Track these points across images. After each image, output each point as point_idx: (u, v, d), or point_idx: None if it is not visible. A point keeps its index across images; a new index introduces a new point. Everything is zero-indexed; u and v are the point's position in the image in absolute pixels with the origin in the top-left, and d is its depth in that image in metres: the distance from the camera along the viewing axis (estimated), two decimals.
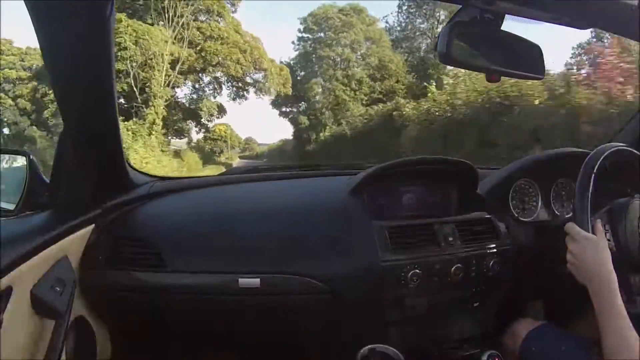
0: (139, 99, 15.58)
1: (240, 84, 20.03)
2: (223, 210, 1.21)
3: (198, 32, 17.65)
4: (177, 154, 18.52)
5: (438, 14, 18.46)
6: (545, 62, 0.85)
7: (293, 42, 22.61)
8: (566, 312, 1.23)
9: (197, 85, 20.80)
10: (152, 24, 15.96)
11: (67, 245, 0.99)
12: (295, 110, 22.25)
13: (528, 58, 0.83)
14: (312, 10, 20.27)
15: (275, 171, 1.59)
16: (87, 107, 0.94)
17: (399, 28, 20.59)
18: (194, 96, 21.27)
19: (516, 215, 1.30)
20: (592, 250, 0.91)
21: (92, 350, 1.04)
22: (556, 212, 1.37)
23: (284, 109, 22.65)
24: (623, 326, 0.82)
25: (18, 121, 19.54)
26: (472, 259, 1.13)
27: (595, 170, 0.99)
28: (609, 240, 0.99)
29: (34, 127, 18.77)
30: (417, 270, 1.05)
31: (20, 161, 1.15)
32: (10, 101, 19.74)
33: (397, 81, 18.80)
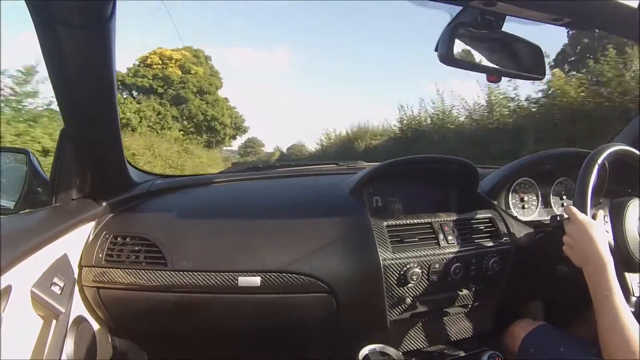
0: None
1: None
2: (223, 209, 1.21)
3: None
4: None
5: None
6: (545, 62, 0.85)
7: None
8: (566, 312, 1.24)
9: None
10: None
11: (67, 243, 0.99)
12: None
13: (529, 58, 0.83)
14: None
15: (276, 169, 1.59)
16: (87, 105, 0.95)
17: None
18: None
19: (516, 214, 1.30)
20: (589, 231, 0.91)
21: (92, 350, 1.04)
22: (556, 211, 1.37)
23: None
24: (619, 307, 0.82)
25: None
26: (472, 258, 1.13)
27: (599, 162, 1.00)
28: (607, 232, 1.00)
29: None
30: (417, 270, 1.05)
31: (20, 159, 1.15)
32: None
33: None
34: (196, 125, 25.99)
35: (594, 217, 0.99)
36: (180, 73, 24.83)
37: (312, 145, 21.86)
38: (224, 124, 27.63)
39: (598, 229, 0.92)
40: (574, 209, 0.96)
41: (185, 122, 25.16)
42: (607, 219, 1.03)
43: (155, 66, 24.42)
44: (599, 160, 1.01)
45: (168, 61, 24.72)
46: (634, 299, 0.97)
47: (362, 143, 14.64)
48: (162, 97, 24.13)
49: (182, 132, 23.46)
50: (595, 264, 0.87)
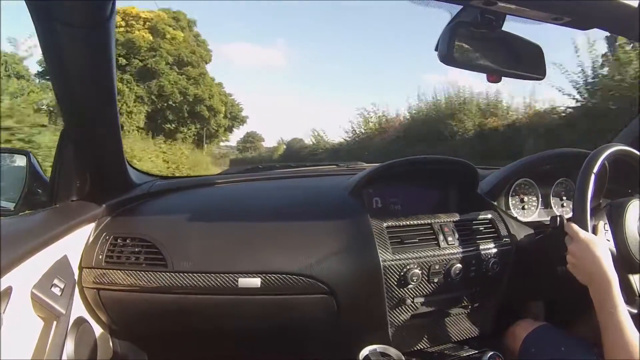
0: None
1: None
2: (223, 210, 1.21)
3: None
4: None
5: None
6: (546, 62, 0.85)
7: None
8: (566, 313, 1.23)
9: None
10: None
11: (67, 244, 0.99)
12: None
13: (529, 58, 0.83)
14: None
15: (275, 170, 1.59)
16: (87, 106, 0.95)
17: None
18: None
19: (516, 215, 1.30)
20: (592, 250, 0.90)
21: (93, 351, 1.03)
22: (556, 212, 1.37)
23: None
24: (624, 325, 0.82)
25: None
26: (472, 259, 1.13)
27: (595, 171, 1.00)
28: (608, 240, 1.00)
29: None
30: (417, 271, 1.05)
31: (20, 160, 1.15)
32: None
33: None
34: (173, 110, 18.94)
35: (595, 229, 0.98)
36: (150, 37, 17.80)
37: (334, 136, 16.35)
38: (215, 109, 20.72)
39: (601, 246, 0.92)
40: (575, 227, 0.95)
41: (155, 105, 18.16)
42: (608, 227, 1.03)
43: (116, 29, 15.83)
44: (595, 169, 1.00)
45: (134, 22, 18.10)
46: (638, 300, 0.97)
47: (467, 122, 9.36)
48: (124, 71, 17.54)
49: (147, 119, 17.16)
50: (600, 282, 0.87)
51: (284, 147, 23.99)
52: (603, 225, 1.01)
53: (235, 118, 25.63)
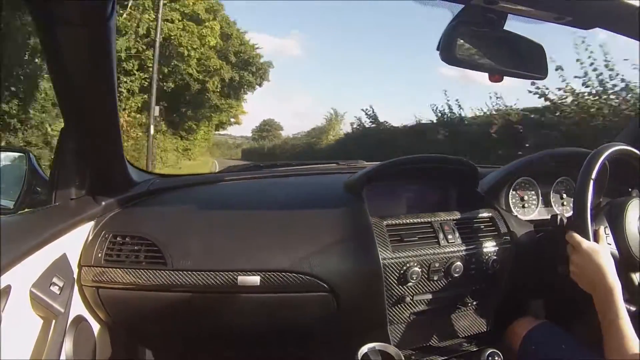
0: None
1: None
2: (223, 208, 1.21)
3: None
4: None
5: None
6: (547, 62, 0.85)
7: None
8: (567, 311, 1.24)
9: None
10: None
11: (66, 242, 0.98)
12: None
13: (531, 58, 0.83)
14: None
15: (276, 168, 1.58)
16: (87, 105, 0.94)
17: None
18: None
19: (516, 213, 1.30)
20: (595, 259, 0.91)
21: (92, 349, 1.03)
22: (556, 210, 1.37)
23: None
24: (626, 333, 0.82)
25: None
26: (472, 257, 1.13)
27: (594, 176, 0.99)
28: (609, 244, 1.00)
29: None
30: (417, 268, 1.05)
31: (20, 159, 1.15)
32: None
33: None
34: None
35: (596, 235, 0.98)
36: None
37: None
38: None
39: (603, 254, 0.92)
40: (577, 237, 0.95)
41: None
42: (609, 230, 1.03)
43: None
44: (595, 172, 1.00)
45: None
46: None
47: None
48: None
49: None
50: (603, 291, 0.88)
51: (338, 123, 16.94)
52: (604, 230, 1.01)
53: (247, 65, 16.01)
